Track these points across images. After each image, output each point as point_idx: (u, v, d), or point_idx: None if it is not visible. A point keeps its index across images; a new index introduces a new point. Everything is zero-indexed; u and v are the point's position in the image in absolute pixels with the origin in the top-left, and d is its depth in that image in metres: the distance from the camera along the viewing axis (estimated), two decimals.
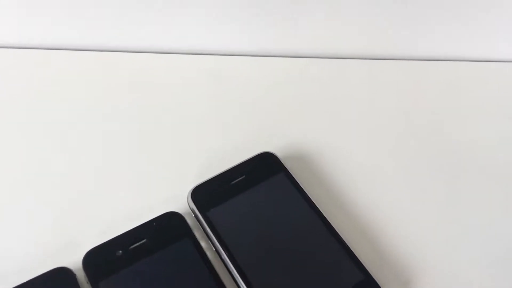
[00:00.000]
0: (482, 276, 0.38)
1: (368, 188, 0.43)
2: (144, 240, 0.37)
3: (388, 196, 0.42)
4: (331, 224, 0.38)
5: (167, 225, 0.38)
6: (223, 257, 0.37)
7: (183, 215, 0.39)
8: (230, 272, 0.36)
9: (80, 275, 0.35)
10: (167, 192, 0.41)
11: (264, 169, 0.41)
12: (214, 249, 0.37)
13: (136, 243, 0.37)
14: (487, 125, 0.49)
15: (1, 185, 0.41)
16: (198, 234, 0.38)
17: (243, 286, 0.35)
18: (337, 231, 0.38)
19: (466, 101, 0.51)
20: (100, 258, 0.36)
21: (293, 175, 0.41)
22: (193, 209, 0.39)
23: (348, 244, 0.37)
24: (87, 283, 0.35)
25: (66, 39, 0.53)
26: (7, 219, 0.39)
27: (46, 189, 0.41)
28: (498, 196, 0.43)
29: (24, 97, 0.48)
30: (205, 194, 0.40)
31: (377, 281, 0.35)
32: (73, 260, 0.36)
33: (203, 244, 0.37)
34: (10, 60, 0.52)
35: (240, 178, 0.41)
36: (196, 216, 0.39)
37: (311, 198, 0.40)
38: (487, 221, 0.41)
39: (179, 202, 0.40)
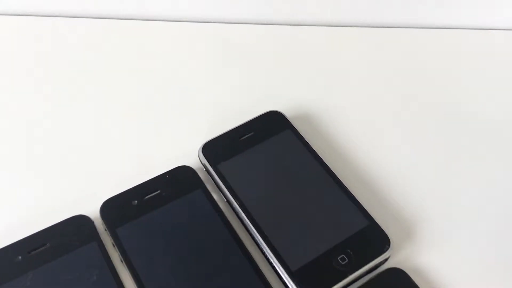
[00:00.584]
0: (481, 224, 0.40)
1: (370, 143, 0.44)
2: (158, 191, 0.39)
3: (390, 152, 0.44)
4: (336, 175, 0.40)
5: (180, 178, 0.40)
6: (234, 207, 0.38)
7: (194, 169, 0.41)
8: (241, 221, 0.38)
9: (98, 223, 0.37)
10: (179, 148, 0.43)
11: (271, 126, 0.43)
12: (225, 200, 0.39)
13: (150, 194, 0.39)
14: (488, 91, 0.50)
15: (21, 140, 0.44)
16: (209, 187, 0.40)
17: (255, 234, 0.37)
18: (342, 181, 0.39)
19: (467, 68, 0.53)
20: (116, 207, 0.38)
21: (299, 131, 0.43)
22: (204, 163, 0.41)
23: (353, 193, 0.39)
24: (105, 230, 0.37)
25: (74, 6, 0.54)
26: (25, 171, 0.41)
27: (64, 143, 0.43)
28: (497, 150, 0.45)
29: (37, 60, 0.50)
30: (216, 150, 0.41)
31: (381, 226, 0.37)
32: (91, 210, 0.38)
33: (214, 196, 0.39)
34: (18, 27, 0.53)
35: (248, 135, 0.42)
36: (207, 170, 0.41)
37: (316, 152, 0.41)
38: (487, 173, 0.43)
39: (191, 157, 0.42)
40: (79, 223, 0.37)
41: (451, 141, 0.45)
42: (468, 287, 0.36)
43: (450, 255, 0.38)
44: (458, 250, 0.38)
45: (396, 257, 0.37)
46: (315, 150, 0.41)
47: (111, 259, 0.35)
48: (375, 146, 0.44)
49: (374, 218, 0.37)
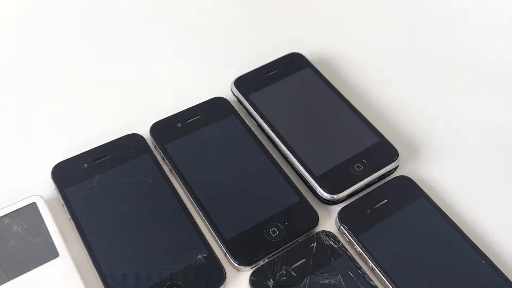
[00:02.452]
0: (482, 141, 0.46)
1: (382, 76, 0.51)
2: (198, 116, 0.45)
3: (399, 82, 0.51)
4: (352, 104, 0.46)
5: (216, 106, 0.46)
6: (265, 129, 0.45)
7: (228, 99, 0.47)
8: (271, 140, 0.44)
9: (148, 141, 0.44)
10: (214, 82, 0.49)
11: (294, 65, 0.49)
12: (256, 124, 0.46)
13: (191, 118, 0.45)
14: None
15: (88, 74, 0.50)
16: (241, 114, 0.46)
17: (283, 149, 0.43)
18: (355, 107, 0.46)
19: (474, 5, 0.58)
20: (164, 128, 0.44)
21: (318, 70, 0.49)
22: (236, 95, 0.47)
23: (365, 116, 0.45)
24: (155, 147, 0.43)
25: None
26: (90, 100, 0.48)
27: (117, 77, 0.50)
28: (488, 74, 0.52)
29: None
30: (246, 83, 0.48)
31: (390, 142, 0.43)
32: (142, 132, 0.44)
33: (246, 121, 0.46)
34: None
35: (274, 71, 0.49)
36: (239, 100, 0.47)
37: (334, 86, 0.48)
38: (486, 97, 0.50)
39: (224, 92, 0.48)
40: (133, 139, 0.43)
41: (454, 77, 0.52)
42: (467, 194, 0.43)
43: (451, 168, 0.44)
44: (460, 164, 0.45)
45: (403, 170, 0.44)
46: (333, 84, 0.48)
47: (162, 170, 0.42)
48: (385, 77, 0.51)
49: (384, 135, 0.44)
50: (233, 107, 0.46)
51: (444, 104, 0.49)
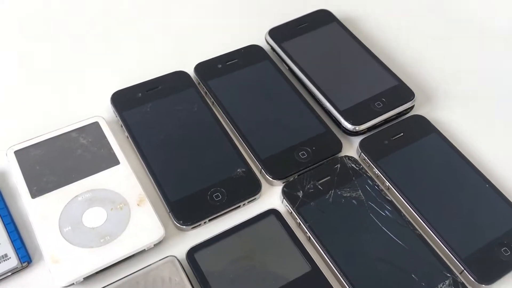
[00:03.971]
0: (496, 89, 0.52)
1: (402, 33, 0.57)
2: (236, 60, 0.51)
3: (419, 38, 0.56)
4: (374, 53, 0.51)
5: (252, 52, 0.52)
6: (295, 72, 0.50)
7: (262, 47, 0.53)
8: (301, 83, 0.50)
9: (193, 78, 0.49)
10: (250, 32, 0.55)
11: (322, 20, 0.55)
12: (287, 68, 0.51)
13: (230, 61, 0.51)
14: None
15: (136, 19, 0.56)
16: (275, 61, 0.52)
17: (313, 90, 0.49)
18: (377, 56, 0.51)
19: None
20: (207, 67, 0.50)
21: (344, 25, 0.54)
22: (270, 43, 0.53)
23: (386, 65, 0.50)
24: (198, 83, 0.49)
25: None
26: (139, 41, 0.54)
27: (169, 23, 0.56)
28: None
29: None
30: (279, 34, 0.53)
31: (409, 86, 0.49)
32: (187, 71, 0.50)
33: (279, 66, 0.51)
34: None
35: (304, 24, 0.54)
36: (272, 48, 0.53)
37: (357, 37, 0.53)
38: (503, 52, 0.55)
39: (258, 41, 0.54)
40: (180, 75, 0.49)
41: (471, 33, 0.57)
42: (475, 133, 0.48)
43: (462, 112, 0.50)
44: (469, 108, 0.50)
45: (419, 112, 0.49)
46: (356, 36, 0.53)
47: (205, 102, 0.47)
48: (407, 35, 0.57)
49: (403, 80, 0.49)
50: (267, 53, 0.52)
51: (460, 56, 0.55)
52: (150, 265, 0.36)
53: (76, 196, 0.39)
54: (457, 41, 0.57)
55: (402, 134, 0.46)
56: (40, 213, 0.38)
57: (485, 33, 0.57)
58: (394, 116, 0.48)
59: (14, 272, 0.36)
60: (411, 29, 0.58)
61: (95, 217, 0.38)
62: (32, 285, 0.36)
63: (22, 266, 0.36)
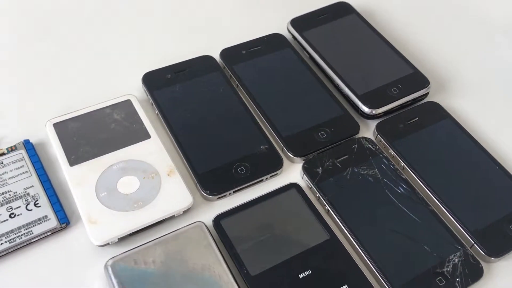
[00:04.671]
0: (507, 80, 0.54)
1: (419, 24, 0.60)
2: (260, 47, 0.54)
3: (433, 29, 0.59)
4: (390, 42, 0.54)
5: (274, 40, 0.55)
6: (316, 59, 0.53)
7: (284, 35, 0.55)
8: (321, 69, 0.53)
9: (218, 63, 0.52)
10: (272, 22, 0.57)
11: (341, 11, 0.57)
12: (308, 56, 0.54)
13: (254, 47, 0.53)
14: None
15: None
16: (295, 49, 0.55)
17: (332, 76, 0.51)
18: (394, 46, 0.54)
19: None
20: (232, 53, 0.53)
21: (362, 16, 0.57)
22: (292, 32, 0.55)
23: (403, 54, 0.53)
24: (224, 67, 0.52)
25: None
26: (167, 28, 0.57)
27: (194, 13, 0.59)
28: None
29: None
30: (300, 23, 0.56)
31: (424, 74, 0.51)
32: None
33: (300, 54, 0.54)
34: None
35: (324, 15, 0.57)
36: (293, 37, 0.55)
37: (376, 29, 0.56)
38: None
39: (281, 30, 0.56)
40: (207, 60, 0.52)
41: (485, 25, 0.59)
42: (488, 120, 0.50)
43: (475, 100, 0.52)
44: (483, 97, 0.52)
45: (433, 99, 0.51)
46: (374, 27, 0.56)
47: (230, 84, 0.50)
48: (423, 26, 0.59)
49: (417, 68, 0.52)
50: (289, 42, 0.55)
51: (474, 46, 0.58)
52: (179, 229, 0.39)
53: (111, 165, 0.42)
54: (471, 31, 0.59)
55: (417, 118, 0.49)
56: (78, 180, 0.41)
57: (499, 23, 0.60)
58: (410, 102, 0.50)
59: (54, 232, 0.39)
60: (427, 20, 0.60)
61: (128, 184, 0.41)
62: (70, 244, 0.39)
63: (61, 227, 0.39)
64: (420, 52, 0.57)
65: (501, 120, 0.51)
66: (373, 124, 0.49)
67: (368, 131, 0.49)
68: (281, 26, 0.57)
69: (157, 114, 0.48)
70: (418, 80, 0.51)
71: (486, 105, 0.52)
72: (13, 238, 0.38)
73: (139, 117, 0.46)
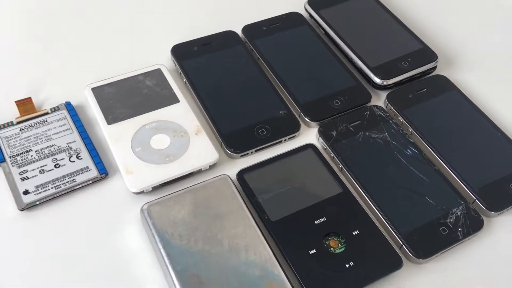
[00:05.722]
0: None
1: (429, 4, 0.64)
2: (278, 24, 0.58)
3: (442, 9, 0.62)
4: (402, 21, 0.58)
5: (292, 18, 0.59)
6: (330, 35, 0.57)
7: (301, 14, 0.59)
8: (335, 45, 0.56)
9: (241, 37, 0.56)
10: (291, 1, 0.61)
11: None
12: (323, 32, 0.58)
13: (273, 24, 0.57)
14: None
15: None
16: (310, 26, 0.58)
17: (346, 50, 0.55)
18: (405, 24, 0.57)
19: None
20: (253, 29, 0.57)
21: None
22: (309, 11, 0.59)
23: (413, 31, 0.57)
24: (245, 42, 0.56)
25: None
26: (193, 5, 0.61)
27: None
28: None
29: None
30: (318, 2, 0.60)
31: (433, 49, 0.55)
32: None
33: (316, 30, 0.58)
34: None
35: None
36: (310, 15, 0.59)
37: (387, 8, 0.59)
38: None
39: (298, 9, 0.60)
40: (230, 34, 0.56)
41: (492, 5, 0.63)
42: (491, 93, 0.54)
43: (480, 75, 0.56)
44: (488, 72, 0.56)
45: (441, 73, 0.55)
46: (387, 8, 0.59)
47: (252, 57, 0.54)
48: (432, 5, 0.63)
49: (426, 43, 0.55)
50: (306, 19, 0.59)
51: (480, 23, 0.61)
52: (206, 180, 0.43)
53: (144, 125, 0.47)
54: (479, 9, 0.63)
55: (425, 89, 0.52)
56: (115, 136, 0.45)
57: (507, 3, 0.63)
58: (419, 75, 0.54)
59: (94, 181, 0.43)
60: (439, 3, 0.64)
61: (160, 141, 0.45)
62: (109, 192, 0.44)
63: (100, 177, 0.44)
64: (430, 29, 0.60)
65: (503, 93, 0.54)
66: (383, 94, 0.52)
67: (379, 100, 0.53)
68: (299, 5, 0.61)
69: (185, 82, 0.52)
70: (427, 54, 0.55)
71: (491, 79, 0.55)
72: (58, 185, 0.42)
73: (168, 84, 0.50)
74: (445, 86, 0.53)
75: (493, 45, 0.59)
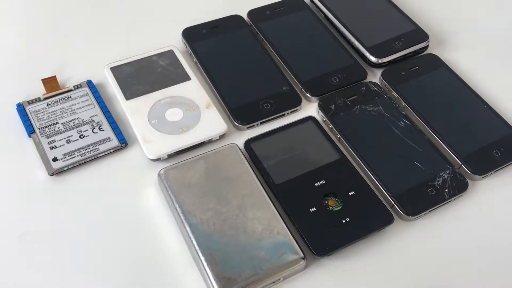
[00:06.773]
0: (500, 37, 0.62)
1: None
2: (282, 8, 0.62)
3: None
4: (397, 5, 0.62)
5: (294, 3, 0.63)
6: (329, 18, 0.61)
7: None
8: (334, 27, 0.61)
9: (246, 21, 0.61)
10: None
11: None
12: (324, 16, 0.62)
13: (277, 8, 0.62)
14: None
15: None
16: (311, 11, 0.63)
17: (343, 31, 0.59)
18: (401, 8, 0.61)
19: None
20: (258, 13, 0.61)
21: None
22: None
23: (406, 13, 0.61)
24: (250, 26, 0.60)
25: None
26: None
27: None
28: None
29: None
30: None
31: (424, 30, 0.59)
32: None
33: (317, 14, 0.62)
34: None
35: None
36: (311, 0, 0.63)
37: None
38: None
39: None
40: (236, 18, 0.60)
41: None
42: (480, 70, 0.58)
43: (469, 54, 0.60)
44: (476, 51, 0.60)
45: (432, 52, 0.59)
46: None
47: (257, 39, 0.58)
48: None
49: (418, 24, 0.59)
50: (307, 4, 0.63)
51: (470, 6, 0.65)
52: (217, 148, 0.48)
53: (159, 100, 0.51)
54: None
55: (417, 67, 0.57)
56: (133, 110, 0.50)
57: None
58: (411, 54, 0.58)
59: (115, 150, 0.48)
60: None
61: (174, 114, 0.50)
62: (129, 159, 0.48)
63: (121, 146, 0.48)
64: (422, 11, 0.65)
65: (488, 69, 0.58)
66: (378, 72, 0.57)
67: (374, 77, 0.57)
68: None
69: (195, 62, 0.56)
70: (419, 35, 0.59)
71: (477, 57, 0.60)
72: (84, 153, 0.47)
73: (180, 64, 0.55)
74: (436, 63, 0.57)
75: (481, 26, 0.63)
